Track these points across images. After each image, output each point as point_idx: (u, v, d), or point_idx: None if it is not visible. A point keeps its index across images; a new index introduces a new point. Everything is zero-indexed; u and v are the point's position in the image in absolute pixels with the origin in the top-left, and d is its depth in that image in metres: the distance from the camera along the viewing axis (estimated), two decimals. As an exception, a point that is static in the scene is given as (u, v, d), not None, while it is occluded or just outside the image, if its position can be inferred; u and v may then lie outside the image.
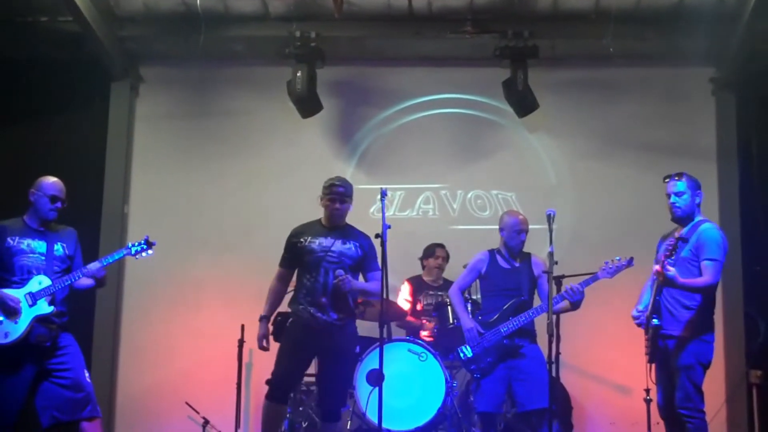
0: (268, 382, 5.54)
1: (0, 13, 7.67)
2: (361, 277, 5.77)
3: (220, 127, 8.32)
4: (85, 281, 5.48)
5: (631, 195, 7.92)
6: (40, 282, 5.32)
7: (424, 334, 7.02)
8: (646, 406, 6.41)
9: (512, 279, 6.05)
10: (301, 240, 5.64)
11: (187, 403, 7.50)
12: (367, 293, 5.73)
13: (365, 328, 6.94)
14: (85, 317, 7.45)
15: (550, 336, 5.51)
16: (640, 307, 5.48)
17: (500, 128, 8.24)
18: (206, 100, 8.38)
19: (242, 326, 7.23)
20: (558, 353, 5.70)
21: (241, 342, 7.29)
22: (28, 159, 7.93)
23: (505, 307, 5.96)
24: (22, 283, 5.32)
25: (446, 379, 6.37)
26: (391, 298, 6.23)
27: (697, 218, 5.44)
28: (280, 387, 5.54)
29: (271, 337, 5.80)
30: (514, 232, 6.08)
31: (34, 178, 5.55)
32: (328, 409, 5.62)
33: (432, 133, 8.29)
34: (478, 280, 6.25)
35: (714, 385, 7.36)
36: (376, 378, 5.51)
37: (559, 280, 6.34)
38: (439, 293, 7.21)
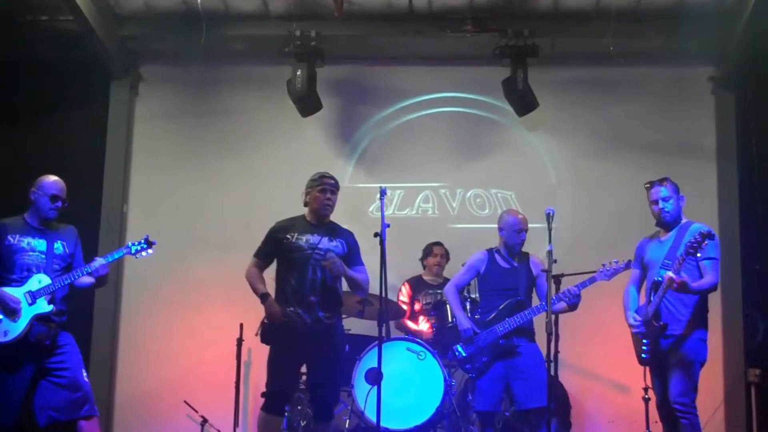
0: (263, 394, 5.50)
1: (0, 12, 7.67)
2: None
3: (219, 126, 8.32)
4: (85, 279, 5.47)
5: (631, 193, 7.83)
6: (39, 280, 5.31)
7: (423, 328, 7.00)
8: (645, 405, 6.43)
9: (510, 279, 6.04)
10: (287, 236, 5.52)
11: (185, 402, 7.50)
12: (356, 282, 5.57)
13: (364, 326, 6.96)
14: (84, 316, 7.45)
15: (549, 335, 5.52)
16: (636, 315, 5.48)
17: (500, 127, 8.24)
18: (206, 99, 8.39)
19: (241, 325, 7.23)
20: (557, 352, 5.73)
21: (239, 341, 7.29)
22: (27, 158, 7.94)
23: (501, 306, 5.96)
24: (21, 282, 5.31)
25: (445, 378, 6.37)
26: (390, 297, 6.22)
27: (684, 220, 5.48)
28: (277, 399, 5.48)
29: (252, 343, 5.68)
30: (514, 232, 6.07)
31: (33, 177, 5.55)
32: (320, 409, 5.53)
33: (432, 131, 8.30)
34: (476, 279, 6.25)
35: (712, 384, 7.38)
36: (374, 376, 5.51)
37: (558, 278, 6.38)
38: (438, 292, 7.21)
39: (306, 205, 5.66)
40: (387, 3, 7.62)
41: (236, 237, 7.82)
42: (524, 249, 6.19)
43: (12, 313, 5.22)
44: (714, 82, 8.03)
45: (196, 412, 7.44)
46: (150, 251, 5.59)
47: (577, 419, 7.43)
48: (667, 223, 5.48)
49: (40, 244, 5.42)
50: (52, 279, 5.32)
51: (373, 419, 5.48)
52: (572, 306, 5.87)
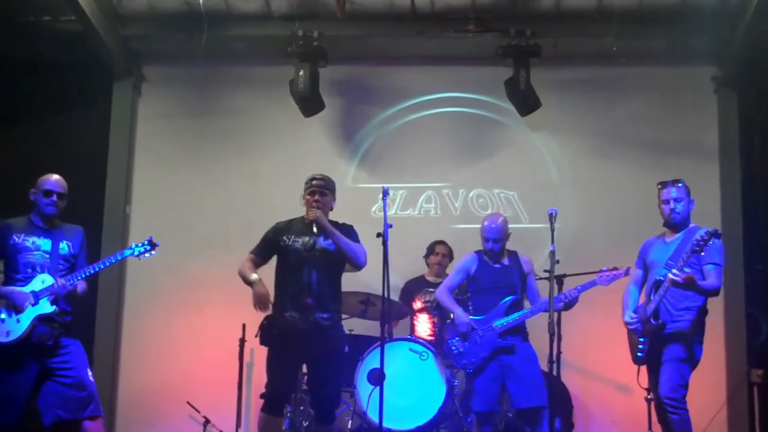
0: (262, 396, 5.50)
1: (2, 12, 7.69)
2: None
3: (222, 127, 8.33)
4: (82, 284, 5.45)
5: (634, 193, 7.90)
6: (43, 281, 5.31)
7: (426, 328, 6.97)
8: (647, 406, 6.42)
9: (504, 276, 6.09)
10: (284, 239, 5.51)
11: (188, 403, 7.50)
12: (347, 245, 5.42)
13: (366, 327, 6.96)
14: (86, 316, 7.44)
15: (552, 335, 5.52)
16: (632, 313, 5.48)
17: (502, 127, 8.24)
18: (209, 100, 8.40)
19: (243, 325, 7.23)
20: (559, 352, 5.71)
21: (242, 341, 7.29)
22: (30, 158, 7.95)
23: (499, 304, 5.98)
24: (25, 281, 5.31)
25: (447, 379, 6.37)
26: (392, 297, 6.21)
27: (691, 224, 5.48)
28: (275, 400, 5.46)
29: (255, 343, 5.65)
30: (483, 239, 6.16)
31: (36, 178, 5.54)
32: (321, 411, 5.52)
33: (434, 132, 8.30)
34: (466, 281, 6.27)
35: (715, 384, 7.38)
36: (377, 377, 5.50)
37: (561, 279, 6.37)
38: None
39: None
40: (389, 3, 7.61)
41: (239, 237, 7.75)
42: (525, 249, 6.19)
43: (18, 310, 5.21)
44: (717, 81, 8.02)
45: (199, 412, 7.45)
46: (153, 252, 5.58)
47: (580, 420, 7.45)
48: (675, 224, 5.48)
49: (45, 243, 5.41)
50: (55, 279, 5.31)
51: (376, 420, 5.47)
52: (567, 305, 5.94)
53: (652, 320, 5.30)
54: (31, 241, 5.39)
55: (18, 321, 5.23)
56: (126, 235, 8.04)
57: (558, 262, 5.71)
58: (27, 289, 5.28)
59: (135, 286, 8.08)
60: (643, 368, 5.62)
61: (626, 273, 5.90)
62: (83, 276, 5.38)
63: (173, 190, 8.28)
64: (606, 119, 8.17)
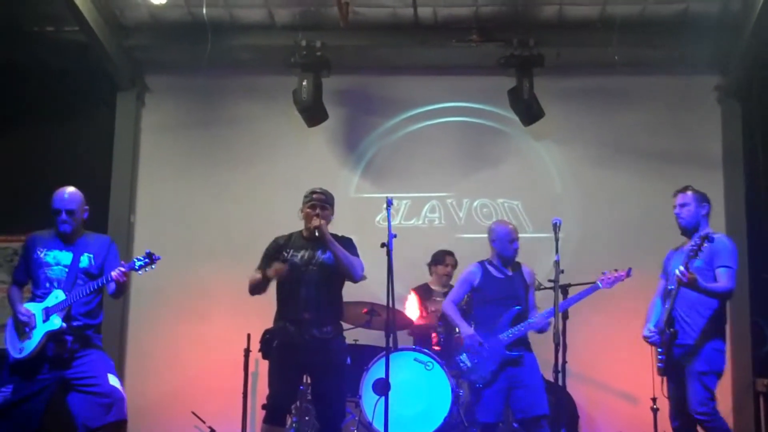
0: (264, 406, 5.49)
1: (6, 22, 7.72)
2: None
3: (226, 137, 8.34)
4: (110, 285, 5.43)
5: (637, 203, 7.92)
6: (56, 297, 5.32)
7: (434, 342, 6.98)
8: (653, 415, 6.40)
9: (507, 288, 6.07)
10: (283, 254, 5.50)
11: (193, 413, 7.49)
12: (346, 256, 5.40)
13: (371, 337, 6.95)
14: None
15: (557, 345, 5.51)
16: (652, 326, 5.46)
17: (506, 137, 8.24)
18: (212, 110, 8.41)
19: (248, 335, 7.21)
20: (564, 362, 5.70)
21: (247, 351, 7.27)
22: (34, 168, 7.99)
23: (503, 316, 5.97)
24: (44, 297, 5.34)
25: (453, 388, 6.35)
26: (397, 307, 6.20)
27: (705, 230, 5.44)
28: (276, 410, 5.44)
29: (259, 354, 5.63)
30: (507, 242, 6.11)
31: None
32: (325, 424, 5.49)
33: (438, 141, 8.30)
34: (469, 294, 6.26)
35: (720, 394, 7.27)
36: (382, 387, 5.49)
37: (565, 288, 6.36)
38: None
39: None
40: (392, 13, 7.63)
41: (242, 246, 7.77)
42: (529, 259, 6.19)
43: (24, 332, 5.27)
44: (720, 90, 8.03)
45: (204, 422, 7.44)
46: (153, 266, 5.48)
47: (586, 429, 7.42)
48: (682, 228, 5.51)
49: (65, 257, 5.42)
50: (66, 294, 5.31)
51: (381, 430, 5.46)
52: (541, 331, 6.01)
53: (667, 329, 5.29)
54: (52, 255, 5.42)
55: (30, 338, 5.27)
56: (131, 245, 8.04)
57: (563, 271, 5.71)
58: (42, 305, 5.30)
59: (140, 295, 8.07)
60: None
61: (628, 275, 5.89)
62: (96, 287, 5.36)
63: (177, 200, 8.29)
64: (609, 128, 8.18)
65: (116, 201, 8.17)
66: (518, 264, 6.21)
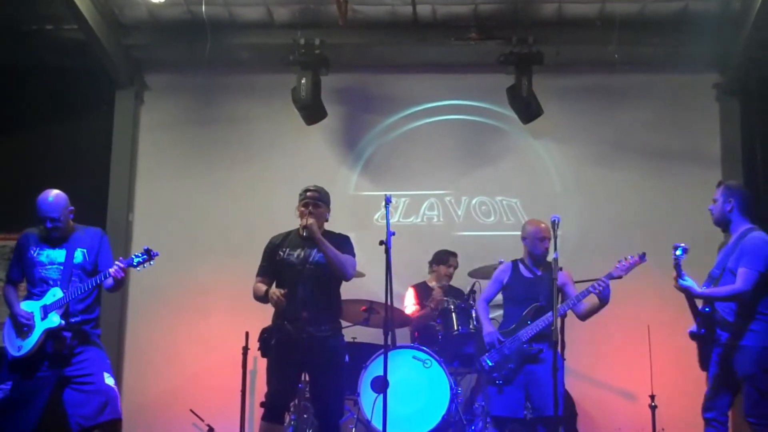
0: (262, 404, 5.49)
1: (5, 21, 7.72)
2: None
3: (224, 135, 8.34)
4: (108, 280, 5.44)
5: (636, 200, 7.93)
6: (54, 294, 5.35)
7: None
8: (651, 413, 6.41)
9: (533, 288, 6.06)
10: (280, 253, 5.50)
11: (191, 411, 7.50)
12: (331, 253, 5.34)
13: (370, 335, 6.95)
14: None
15: (555, 342, 5.51)
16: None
17: (505, 134, 8.24)
18: (211, 108, 8.41)
19: (246, 333, 7.21)
20: (563, 359, 5.70)
21: (245, 349, 7.26)
22: (32, 167, 7.99)
23: (523, 314, 5.98)
24: (41, 295, 5.38)
25: (451, 386, 6.35)
26: (395, 305, 6.19)
27: (742, 227, 5.27)
28: (275, 408, 5.43)
29: (258, 352, 5.63)
30: (537, 240, 6.11)
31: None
32: (324, 423, 5.48)
33: (436, 139, 8.30)
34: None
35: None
36: (380, 385, 5.48)
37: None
38: (445, 299, 7.15)
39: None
40: (391, 11, 7.63)
41: (241, 244, 7.81)
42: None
43: (22, 331, 5.31)
44: (718, 88, 8.03)
45: (202, 420, 7.45)
46: (152, 262, 5.51)
47: (584, 427, 7.40)
48: (716, 224, 5.40)
49: (59, 254, 5.44)
50: (64, 292, 5.33)
51: (380, 428, 5.45)
52: (603, 300, 5.85)
53: (695, 328, 5.24)
54: (45, 254, 5.45)
55: (29, 336, 5.30)
56: (129, 244, 8.05)
57: (561, 269, 5.71)
58: (40, 303, 5.34)
59: (138, 294, 8.08)
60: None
61: (641, 259, 5.85)
62: (94, 284, 5.39)
63: (176, 198, 8.29)
64: (608, 126, 8.18)
65: (115, 199, 8.17)
66: (550, 264, 6.10)
